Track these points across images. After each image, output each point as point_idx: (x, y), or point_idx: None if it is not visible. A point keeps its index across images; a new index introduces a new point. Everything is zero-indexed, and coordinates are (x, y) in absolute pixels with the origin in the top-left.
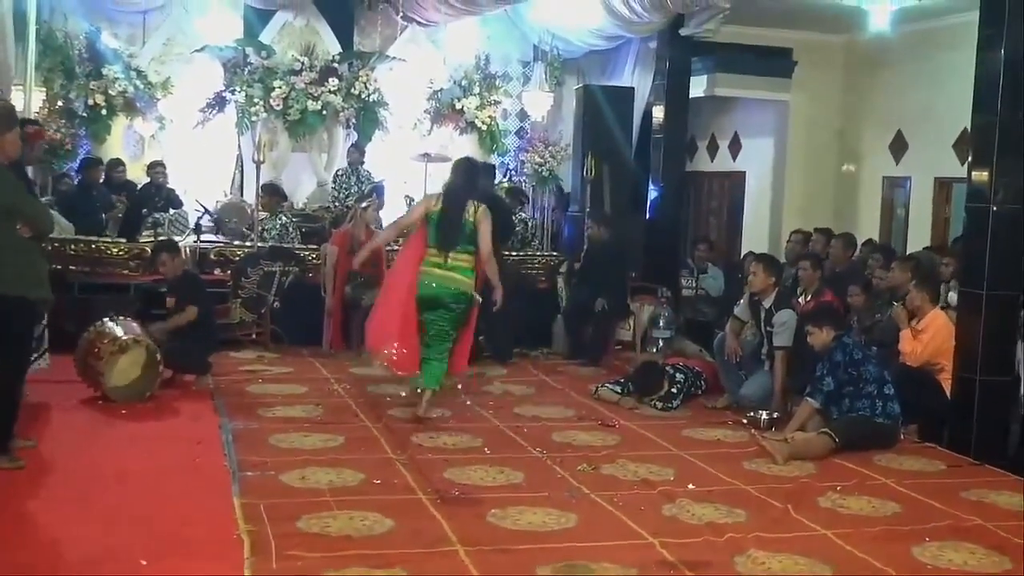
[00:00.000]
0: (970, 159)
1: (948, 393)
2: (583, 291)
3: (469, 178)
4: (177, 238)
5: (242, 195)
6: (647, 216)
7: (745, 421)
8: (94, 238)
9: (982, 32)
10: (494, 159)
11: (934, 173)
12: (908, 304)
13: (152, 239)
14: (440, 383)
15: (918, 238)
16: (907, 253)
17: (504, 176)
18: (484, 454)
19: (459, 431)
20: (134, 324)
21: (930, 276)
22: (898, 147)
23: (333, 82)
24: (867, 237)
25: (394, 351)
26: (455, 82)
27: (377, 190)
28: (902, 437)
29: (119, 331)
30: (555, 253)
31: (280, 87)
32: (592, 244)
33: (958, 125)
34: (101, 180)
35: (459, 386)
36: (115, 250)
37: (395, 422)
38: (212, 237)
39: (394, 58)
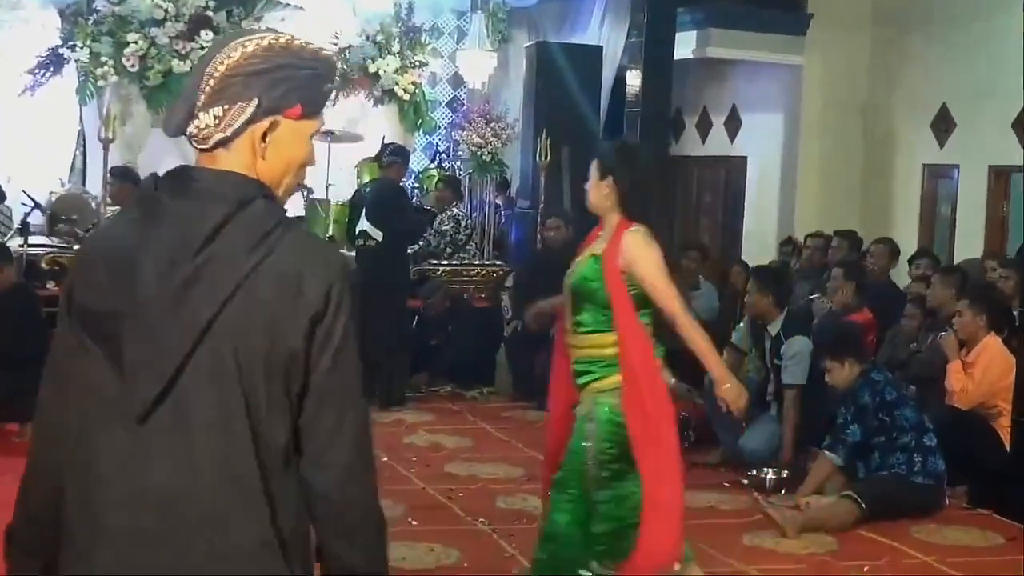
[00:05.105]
0: None
1: (1007, 445)
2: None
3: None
4: None
5: (84, 184)
6: None
7: (746, 481)
8: None
9: None
10: (418, 138)
11: (988, 160)
12: (959, 329)
13: None
14: None
15: (968, 242)
16: (952, 262)
17: (433, 161)
18: (409, 526)
19: None
20: None
21: (987, 293)
22: (943, 127)
23: (207, 36)
24: (902, 240)
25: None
26: (368, 37)
27: None
28: (947, 502)
29: None
30: (499, 262)
31: (136, 42)
32: (547, 250)
33: (1019, 100)
34: None
35: None
36: None
37: None
38: (43, 240)
39: (288, 5)
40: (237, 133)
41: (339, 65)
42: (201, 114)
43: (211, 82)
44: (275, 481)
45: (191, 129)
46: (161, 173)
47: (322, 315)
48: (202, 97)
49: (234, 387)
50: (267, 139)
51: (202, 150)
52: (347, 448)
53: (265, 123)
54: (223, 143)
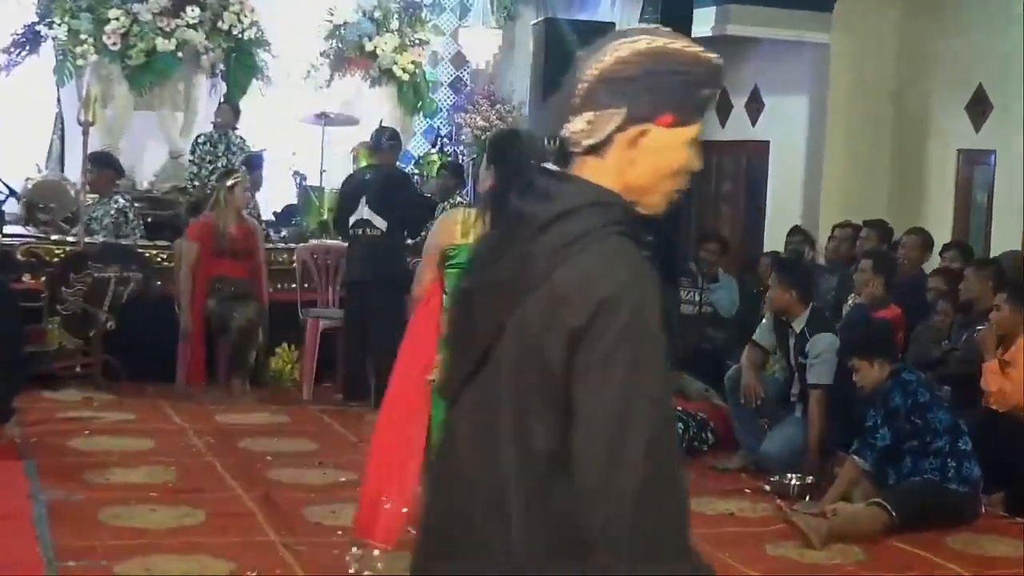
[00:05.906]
0: None
1: None
2: None
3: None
4: None
5: (62, 170)
6: None
7: (768, 488)
8: None
9: None
10: (418, 122)
11: None
12: (997, 325)
13: None
14: None
15: (1005, 233)
16: (989, 254)
17: (434, 146)
18: (408, 534)
19: None
20: None
21: None
22: (979, 109)
23: (193, 12)
24: (935, 230)
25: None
26: (364, 14)
27: (252, 162)
28: (983, 509)
29: None
30: None
31: (118, 18)
32: None
33: None
34: None
35: None
36: None
37: (279, 491)
38: (19, 229)
39: None
40: (607, 140)
41: (333, 44)
42: (573, 118)
43: (583, 86)
44: (527, 488)
45: (564, 132)
46: (146, 158)
47: (583, 329)
48: (575, 100)
49: (509, 384)
50: (637, 146)
51: (575, 153)
52: (595, 470)
53: (634, 131)
54: (594, 149)
